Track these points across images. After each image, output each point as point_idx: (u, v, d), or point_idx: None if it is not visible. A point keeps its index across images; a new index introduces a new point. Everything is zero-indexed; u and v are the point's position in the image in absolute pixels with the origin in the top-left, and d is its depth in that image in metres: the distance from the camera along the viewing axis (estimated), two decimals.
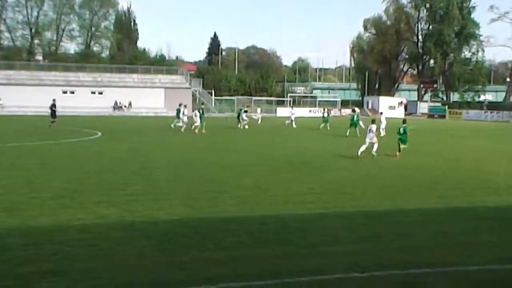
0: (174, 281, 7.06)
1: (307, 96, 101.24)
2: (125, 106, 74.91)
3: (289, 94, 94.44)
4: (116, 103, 74.71)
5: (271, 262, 8.03)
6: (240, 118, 42.57)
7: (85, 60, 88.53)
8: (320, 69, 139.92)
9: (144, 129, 40.65)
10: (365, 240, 9.42)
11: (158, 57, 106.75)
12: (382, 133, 35.91)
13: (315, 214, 11.42)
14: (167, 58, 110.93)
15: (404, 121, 24.53)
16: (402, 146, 23.28)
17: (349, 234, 9.76)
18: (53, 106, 41.31)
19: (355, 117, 35.88)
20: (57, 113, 41.77)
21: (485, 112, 76.62)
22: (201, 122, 37.18)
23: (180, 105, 40.61)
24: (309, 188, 14.55)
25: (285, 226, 10.30)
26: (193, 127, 36.57)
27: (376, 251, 8.73)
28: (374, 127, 22.92)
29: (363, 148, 22.17)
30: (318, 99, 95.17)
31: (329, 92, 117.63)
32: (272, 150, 24.98)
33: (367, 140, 22.61)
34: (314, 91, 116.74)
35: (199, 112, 38.23)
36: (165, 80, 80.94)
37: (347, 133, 34.87)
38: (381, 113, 38.66)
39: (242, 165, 19.13)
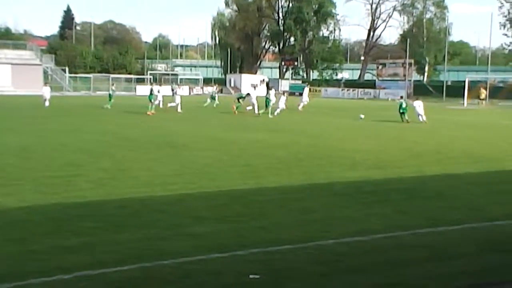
0: (25, 272, 6.68)
1: (168, 74, 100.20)
2: None
3: (149, 72, 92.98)
4: None
5: (131, 247, 7.89)
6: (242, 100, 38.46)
7: None
8: (182, 45, 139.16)
9: None
10: (227, 220, 9.56)
11: (3, 30, 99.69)
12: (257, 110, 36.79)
13: (178, 195, 11.39)
14: (13, 31, 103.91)
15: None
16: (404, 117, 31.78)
17: (212, 215, 9.86)
18: None
19: (270, 95, 36.90)
20: None
21: (342, 89, 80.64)
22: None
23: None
24: (172, 169, 14.49)
25: (146, 209, 10.17)
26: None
27: (238, 231, 8.90)
28: (420, 103, 32.13)
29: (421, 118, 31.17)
30: (179, 76, 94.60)
31: (191, 70, 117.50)
32: (134, 131, 24.51)
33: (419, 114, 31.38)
34: (176, 69, 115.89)
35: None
36: (11, 56, 75.80)
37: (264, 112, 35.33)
38: (267, 85, 39.71)
39: (101, 147, 18.57)
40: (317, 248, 8.12)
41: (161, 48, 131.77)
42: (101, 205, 10.32)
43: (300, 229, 9.10)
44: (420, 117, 31.80)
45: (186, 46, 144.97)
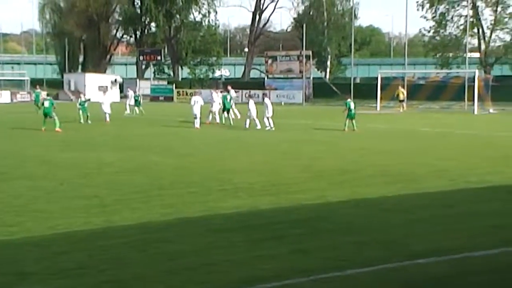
0: None
1: None
2: None
3: None
4: None
5: None
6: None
7: None
8: None
9: None
10: (65, 274, 9.33)
11: None
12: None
13: None
14: None
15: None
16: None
17: (42, 269, 9.59)
18: None
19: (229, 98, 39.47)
20: None
21: (221, 92, 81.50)
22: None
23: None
24: None
25: None
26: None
27: None
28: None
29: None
30: None
31: (13, 68, 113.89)
32: None
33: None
34: None
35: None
36: None
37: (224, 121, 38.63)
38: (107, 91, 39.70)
39: None
40: None
41: None
42: None
43: (168, 282, 9.07)
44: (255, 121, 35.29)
45: (5, 35, 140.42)
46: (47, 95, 38.61)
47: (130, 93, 51.43)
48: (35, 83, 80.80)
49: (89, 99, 41.62)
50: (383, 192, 16.11)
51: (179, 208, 14.03)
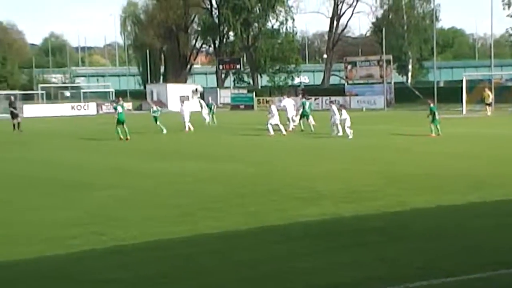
0: None
1: (67, 87, 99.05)
2: None
3: (40, 85, 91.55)
4: None
5: None
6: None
7: None
8: (83, 48, 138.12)
9: None
10: (150, 282, 9.49)
11: None
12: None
13: (79, 253, 11.22)
14: None
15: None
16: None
17: (128, 276, 9.74)
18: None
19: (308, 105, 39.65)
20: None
21: (301, 98, 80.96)
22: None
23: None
24: (71, 216, 14.33)
25: (30, 277, 9.93)
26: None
27: None
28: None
29: None
30: (82, 90, 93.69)
31: (98, 80, 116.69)
32: (9, 164, 24.09)
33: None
34: (77, 80, 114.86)
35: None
36: None
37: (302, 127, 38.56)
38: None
39: None
40: None
41: (55, 52, 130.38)
42: None
43: None
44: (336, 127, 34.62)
45: (89, 48, 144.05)
46: (116, 102, 38.52)
47: (203, 103, 51.57)
48: (119, 94, 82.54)
49: (160, 109, 41.81)
50: (468, 198, 15.66)
51: (260, 216, 14.01)
